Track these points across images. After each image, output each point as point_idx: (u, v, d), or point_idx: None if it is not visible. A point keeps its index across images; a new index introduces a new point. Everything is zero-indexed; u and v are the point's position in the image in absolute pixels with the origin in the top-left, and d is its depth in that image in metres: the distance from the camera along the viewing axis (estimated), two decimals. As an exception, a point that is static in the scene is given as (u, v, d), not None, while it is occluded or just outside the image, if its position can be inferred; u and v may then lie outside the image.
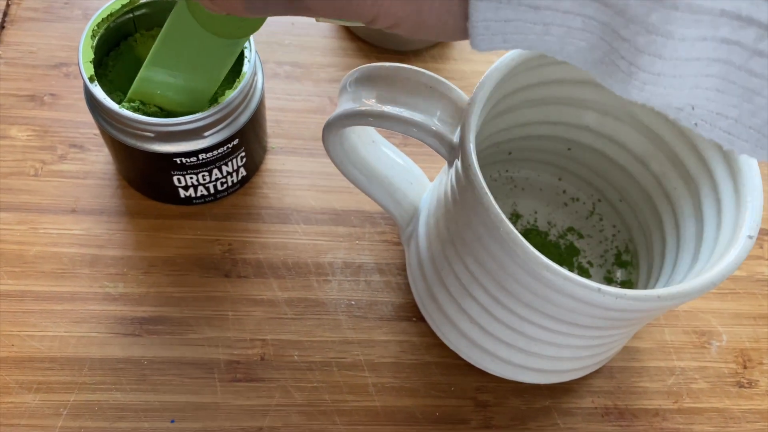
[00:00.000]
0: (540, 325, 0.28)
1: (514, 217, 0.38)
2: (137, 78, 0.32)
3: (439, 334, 0.34)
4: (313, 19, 0.47)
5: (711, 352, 0.37)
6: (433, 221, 0.31)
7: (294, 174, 0.39)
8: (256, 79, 0.34)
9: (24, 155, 0.38)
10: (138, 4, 0.34)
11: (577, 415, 0.34)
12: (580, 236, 0.38)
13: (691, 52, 0.17)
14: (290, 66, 0.43)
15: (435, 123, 0.28)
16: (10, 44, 0.41)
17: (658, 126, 0.32)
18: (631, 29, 0.17)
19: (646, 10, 0.16)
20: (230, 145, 0.34)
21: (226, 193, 0.37)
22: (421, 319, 0.36)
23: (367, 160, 0.33)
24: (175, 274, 0.35)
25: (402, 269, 0.37)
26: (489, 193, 0.25)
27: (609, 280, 0.37)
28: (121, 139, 0.32)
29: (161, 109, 0.32)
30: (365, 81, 0.29)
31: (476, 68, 0.45)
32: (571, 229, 0.38)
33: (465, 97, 0.29)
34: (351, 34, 0.45)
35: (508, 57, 0.29)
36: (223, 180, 0.36)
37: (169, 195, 0.36)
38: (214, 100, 0.33)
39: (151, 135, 0.32)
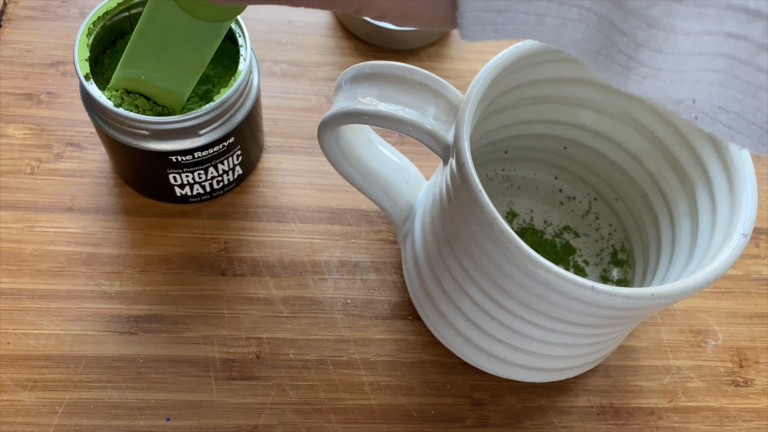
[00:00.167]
0: (535, 323, 0.28)
1: (510, 216, 0.38)
2: (119, 64, 0.31)
3: (434, 333, 0.34)
4: (310, 18, 0.47)
5: (707, 351, 0.37)
6: (429, 220, 0.31)
7: (290, 172, 0.39)
8: (251, 77, 0.34)
9: (21, 153, 0.38)
10: (134, 2, 0.34)
11: (573, 414, 0.34)
12: (576, 235, 0.38)
13: (695, 47, 0.16)
14: (287, 64, 0.43)
15: (430, 121, 0.28)
16: (7, 43, 0.41)
17: (654, 124, 0.33)
18: (631, 23, 0.16)
19: (646, 2, 0.16)
20: (226, 144, 0.34)
21: (222, 191, 0.37)
22: (417, 317, 0.36)
23: (363, 159, 0.33)
24: (171, 272, 0.35)
25: (398, 268, 0.37)
26: (483, 191, 0.25)
27: (605, 279, 0.37)
28: (117, 137, 0.32)
29: (146, 97, 0.32)
30: (361, 79, 0.29)
31: (473, 67, 0.45)
32: (567, 228, 0.38)
33: (460, 95, 0.29)
34: (348, 32, 0.45)
35: (503, 55, 0.29)
36: (219, 178, 0.36)
37: (165, 193, 0.36)
38: (209, 99, 0.33)
39: (147, 133, 0.32)
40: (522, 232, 0.37)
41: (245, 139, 0.35)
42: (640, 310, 0.26)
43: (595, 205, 0.38)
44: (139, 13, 0.34)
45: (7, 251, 0.35)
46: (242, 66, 0.33)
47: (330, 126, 0.30)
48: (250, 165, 0.38)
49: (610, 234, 0.38)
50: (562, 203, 0.39)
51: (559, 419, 0.34)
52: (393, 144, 0.40)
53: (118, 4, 0.33)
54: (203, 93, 0.34)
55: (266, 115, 0.41)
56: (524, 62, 0.30)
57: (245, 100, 0.34)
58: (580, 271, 0.37)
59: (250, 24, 0.44)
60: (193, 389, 0.33)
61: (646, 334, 0.37)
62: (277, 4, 0.20)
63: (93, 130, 0.39)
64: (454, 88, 0.29)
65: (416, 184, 0.35)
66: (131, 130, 0.32)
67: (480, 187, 0.25)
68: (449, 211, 0.29)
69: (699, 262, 0.28)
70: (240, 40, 0.33)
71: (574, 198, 0.39)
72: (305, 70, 0.43)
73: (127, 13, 0.34)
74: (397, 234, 0.36)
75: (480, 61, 0.45)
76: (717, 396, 0.36)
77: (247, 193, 0.38)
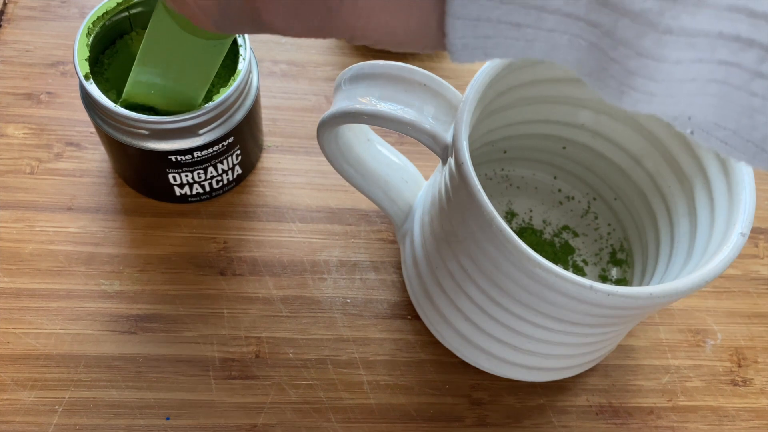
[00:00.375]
0: (534, 322, 0.28)
1: (509, 216, 0.38)
2: (129, 80, 0.32)
3: (433, 332, 0.34)
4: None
5: (706, 351, 0.37)
6: (428, 219, 0.32)
7: (290, 172, 0.39)
8: (251, 77, 0.34)
9: (20, 153, 0.38)
10: (133, 2, 0.34)
11: (572, 413, 0.34)
12: (575, 235, 0.38)
13: (687, 74, 0.16)
14: (286, 64, 0.43)
15: (429, 121, 0.28)
16: (7, 42, 0.41)
17: (653, 125, 0.33)
18: (621, 51, 0.16)
19: (635, 33, 0.15)
20: (225, 143, 0.34)
21: (221, 191, 0.37)
22: (416, 317, 0.36)
23: (363, 159, 0.33)
24: (171, 271, 0.36)
25: (397, 267, 0.37)
26: (482, 191, 0.25)
27: (604, 279, 0.37)
28: (117, 137, 0.32)
29: (156, 110, 0.32)
30: (360, 79, 0.29)
31: (472, 67, 0.45)
32: (566, 228, 0.38)
33: (459, 95, 0.29)
34: (347, 32, 0.45)
35: (502, 55, 0.29)
36: (219, 178, 0.36)
37: (165, 193, 0.36)
38: (208, 99, 0.33)
39: (146, 133, 0.32)
40: (521, 232, 0.37)
41: (245, 138, 0.35)
42: (639, 310, 0.26)
43: (593, 205, 0.38)
44: (139, 13, 0.34)
45: (6, 251, 0.35)
46: (242, 66, 0.33)
47: (329, 126, 0.30)
48: (249, 165, 0.38)
49: (608, 234, 0.38)
50: (560, 203, 0.39)
51: (558, 418, 0.34)
52: (392, 143, 0.40)
53: (118, 4, 0.33)
54: None
55: (266, 115, 0.41)
56: (523, 62, 0.30)
57: (245, 99, 0.34)
58: (579, 271, 0.37)
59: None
60: (192, 388, 0.33)
61: (645, 333, 0.37)
62: (269, 33, 0.21)
63: (93, 129, 0.39)
64: (453, 88, 0.29)
65: (415, 183, 0.35)
66: (131, 129, 0.32)
67: (479, 186, 0.25)
68: (448, 210, 0.29)
69: (697, 261, 0.28)
70: (239, 40, 0.33)
71: (572, 198, 0.39)
72: (305, 70, 0.43)
73: (126, 13, 0.34)
74: (396, 233, 0.36)
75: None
76: (716, 395, 0.36)
77: (246, 193, 0.38)
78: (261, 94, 0.42)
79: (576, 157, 0.37)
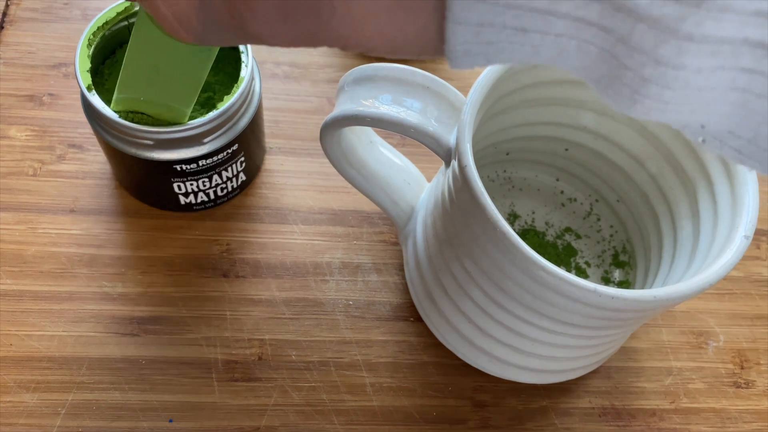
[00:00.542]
0: (537, 325, 0.28)
1: (512, 218, 0.38)
2: (116, 87, 0.31)
3: (436, 334, 0.34)
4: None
5: (708, 353, 0.37)
6: (431, 221, 0.32)
7: (292, 174, 0.39)
8: (253, 83, 0.34)
9: (23, 155, 0.38)
10: (133, 11, 0.34)
11: (575, 415, 0.34)
12: (578, 236, 0.38)
13: (707, 82, 0.15)
14: (289, 66, 0.43)
15: (432, 123, 0.28)
16: (10, 44, 0.41)
17: (656, 127, 0.33)
18: (636, 59, 0.15)
19: (654, 41, 0.15)
20: (230, 151, 0.34)
21: (226, 198, 0.37)
22: (419, 319, 0.36)
23: (365, 161, 0.33)
24: (174, 274, 0.36)
25: (400, 269, 0.37)
26: (485, 194, 0.25)
27: (606, 281, 0.37)
28: (120, 148, 0.32)
29: (148, 115, 0.32)
30: (363, 81, 0.29)
31: (475, 69, 0.45)
32: (568, 230, 0.38)
33: (462, 97, 0.29)
34: (349, 34, 0.45)
35: (505, 58, 0.29)
36: (223, 185, 0.36)
37: (170, 202, 0.36)
38: (212, 107, 0.33)
39: (151, 143, 0.32)
40: (523, 234, 0.37)
41: (249, 145, 0.35)
42: (643, 313, 0.26)
43: (596, 207, 0.38)
44: None
45: (9, 253, 0.35)
46: (244, 73, 0.33)
47: (332, 128, 0.30)
48: (253, 171, 0.38)
49: (611, 235, 0.38)
50: (563, 205, 0.39)
51: (561, 420, 0.34)
52: (394, 145, 0.40)
53: (117, 14, 0.33)
54: (205, 100, 0.34)
55: (268, 117, 0.41)
56: (526, 64, 0.30)
57: (248, 107, 0.34)
58: (581, 273, 0.37)
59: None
60: (195, 391, 0.33)
61: (648, 335, 0.37)
62: (255, 43, 0.19)
63: (95, 131, 0.39)
64: (456, 90, 0.29)
65: (418, 185, 0.35)
66: (135, 140, 0.31)
67: (482, 189, 0.25)
68: (451, 212, 0.29)
69: (700, 263, 0.28)
70: (240, 47, 0.33)
71: (575, 199, 0.39)
72: (307, 72, 0.43)
73: (126, 23, 0.34)
74: (398, 235, 0.36)
75: (481, 62, 0.45)
76: (718, 397, 0.36)
77: (249, 195, 0.38)
78: (263, 96, 0.42)
79: (578, 159, 0.37)
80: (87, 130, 0.39)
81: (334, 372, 0.34)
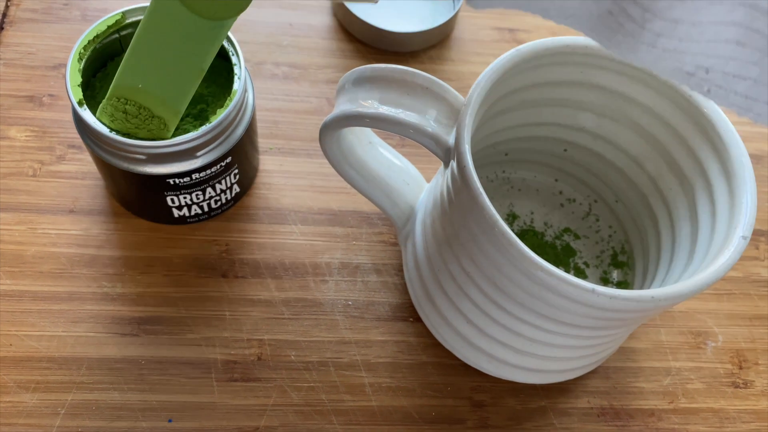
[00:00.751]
0: (535, 325, 0.29)
1: (511, 218, 0.38)
2: (118, 71, 0.31)
3: (435, 335, 0.34)
4: (311, 21, 0.47)
5: (707, 353, 0.37)
6: (430, 222, 0.32)
7: (291, 175, 0.39)
8: (246, 95, 0.34)
9: (23, 156, 0.38)
10: (124, 24, 0.33)
11: (573, 415, 0.34)
12: (577, 237, 0.38)
13: (710, 17, 0.16)
14: (288, 67, 0.43)
15: (431, 124, 0.28)
16: (9, 45, 0.41)
17: (654, 127, 0.33)
18: (638, 12, 0.16)
19: None
20: (223, 164, 0.33)
21: (220, 210, 0.37)
22: (418, 319, 0.36)
23: (364, 161, 0.33)
24: (173, 274, 0.36)
25: (399, 270, 0.37)
26: (484, 194, 0.25)
27: (605, 281, 0.37)
28: (113, 162, 0.32)
29: (141, 108, 0.31)
30: (362, 82, 0.29)
31: (473, 69, 0.45)
32: (567, 230, 0.38)
33: (461, 98, 0.29)
34: (349, 35, 0.45)
35: (503, 58, 0.29)
36: (217, 198, 0.36)
37: (163, 215, 0.36)
38: (205, 120, 0.33)
39: (143, 157, 0.31)
40: (522, 234, 0.37)
41: (242, 158, 0.35)
42: (641, 313, 0.26)
43: (595, 207, 0.38)
44: (130, 35, 0.34)
45: (9, 253, 0.35)
46: (237, 85, 0.32)
47: (331, 128, 0.30)
48: (247, 183, 0.38)
49: (610, 236, 0.38)
50: (562, 205, 0.39)
51: (560, 420, 0.34)
52: (394, 146, 0.40)
53: (108, 27, 0.33)
54: (198, 112, 0.33)
55: (267, 118, 0.41)
56: (525, 65, 0.30)
57: (241, 119, 0.33)
58: (580, 273, 0.37)
59: (250, 26, 0.44)
60: (194, 391, 0.33)
61: (646, 335, 0.37)
62: None
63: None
64: (454, 91, 0.29)
65: (417, 186, 0.35)
66: (127, 154, 0.31)
67: (481, 189, 0.26)
68: (450, 213, 0.29)
69: (699, 264, 0.28)
70: (233, 59, 0.33)
71: (574, 200, 0.39)
72: (306, 72, 0.43)
73: (117, 35, 0.34)
74: (398, 236, 0.36)
75: (480, 63, 0.45)
76: (717, 397, 0.36)
77: (248, 195, 0.38)
78: (262, 96, 0.42)
79: (577, 160, 0.37)
80: (87, 130, 0.39)
81: (333, 372, 0.34)
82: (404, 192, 0.34)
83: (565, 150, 0.37)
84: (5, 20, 0.42)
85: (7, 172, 0.37)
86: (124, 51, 0.35)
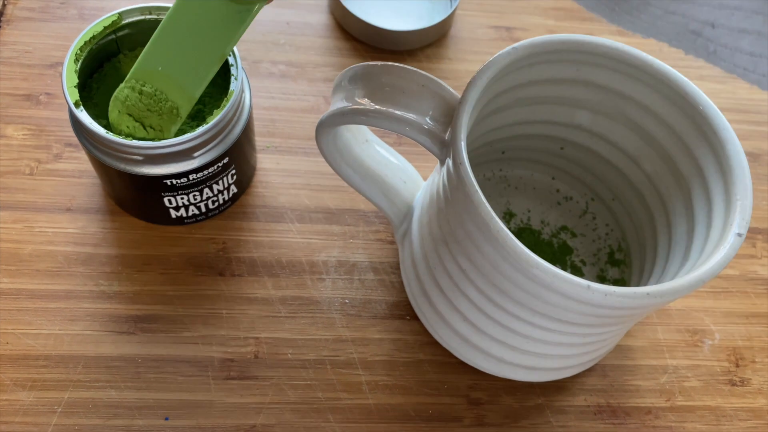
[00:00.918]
0: (532, 323, 0.29)
1: (508, 216, 0.38)
2: (141, 54, 0.31)
3: (432, 333, 0.34)
4: (308, 19, 0.47)
5: (704, 351, 0.37)
6: (426, 220, 0.32)
7: (288, 173, 0.39)
8: (243, 96, 0.34)
9: (20, 154, 0.38)
10: (120, 25, 0.33)
11: (570, 413, 0.35)
12: (573, 235, 0.38)
13: None
14: (285, 65, 0.43)
15: (427, 122, 0.28)
16: (6, 44, 0.41)
17: (650, 125, 0.33)
18: None
19: None
20: (220, 164, 0.33)
21: (217, 211, 0.37)
22: (415, 317, 0.36)
23: (361, 159, 0.33)
24: (170, 272, 0.36)
25: (396, 268, 0.37)
26: (479, 191, 0.25)
27: (602, 279, 0.37)
28: (110, 164, 0.32)
29: (158, 91, 0.31)
30: (359, 80, 0.29)
31: (470, 68, 0.45)
32: (564, 228, 0.38)
33: (457, 96, 0.29)
34: (346, 33, 0.45)
35: (499, 56, 0.29)
36: (215, 198, 0.36)
37: (160, 216, 0.36)
38: (201, 120, 0.33)
39: (140, 158, 0.31)
40: (519, 233, 0.38)
41: (239, 158, 0.35)
42: (636, 309, 0.26)
43: (591, 205, 0.38)
44: (126, 36, 0.34)
45: (6, 251, 0.35)
46: (234, 86, 0.32)
47: (328, 126, 0.30)
48: (244, 183, 0.38)
49: (606, 234, 0.38)
50: (559, 203, 0.39)
51: (556, 418, 0.34)
52: (391, 144, 0.40)
53: (105, 28, 0.33)
54: (195, 113, 0.33)
55: (264, 116, 0.41)
56: (521, 63, 0.30)
57: (238, 119, 0.33)
58: (577, 271, 0.37)
59: (248, 25, 0.44)
60: (191, 389, 0.33)
61: (643, 333, 0.37)
62: None
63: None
64: (451, 89, 0.29)
65: (414, 184, 0.35)
66: (124, 155, 0.31)
67: (476, 187, 0.26)
68: (446, 211, 0.29)
69: (695, 261, 0.28)
70: (230, 59, 0.33)
71: (571, 198, 0.39)
72: (303, 71, 0.43)
73: (113, 36, 0.34)
74: (394, 234, 0.36)
75: (476, 62, 0.45)
76: (713, 395, 0.36)
77: (245, 194, 0.38)
78: (259, 95, 0.42)
79: (574, 158, 0.37)
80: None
81: (330, 370, 0.34)
82: (401, 190, 0.34)
83: (562, 148, 0.37)
84: (2, 19, 0.42)
85: (4, 170, 0.37)
86: (120, 52, 0.35)
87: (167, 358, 0.33)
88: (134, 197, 0.35)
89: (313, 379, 0.34)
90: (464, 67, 0.45)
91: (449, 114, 0.28)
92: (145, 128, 0.31)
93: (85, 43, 0.33)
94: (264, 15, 0.45)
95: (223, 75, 0.34)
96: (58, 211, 0.36)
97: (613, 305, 0.25)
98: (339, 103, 0.29)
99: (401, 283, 0.37)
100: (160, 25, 0.30)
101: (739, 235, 0.26)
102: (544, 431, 0.34)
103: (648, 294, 0.25)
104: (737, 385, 0.36)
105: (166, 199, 0.34)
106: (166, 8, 0.34)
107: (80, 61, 0.32)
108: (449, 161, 0.27)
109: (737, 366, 0.37)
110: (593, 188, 0.38)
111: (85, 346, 0.33)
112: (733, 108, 0.46)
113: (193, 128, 0.32)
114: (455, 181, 0.27)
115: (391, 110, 0.28)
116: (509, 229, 0.35)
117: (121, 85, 0.31)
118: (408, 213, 0.35)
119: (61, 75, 0.40)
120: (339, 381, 0.34)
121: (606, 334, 0.30)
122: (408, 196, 0.35)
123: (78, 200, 0.37)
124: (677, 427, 0.35)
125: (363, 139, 0.34)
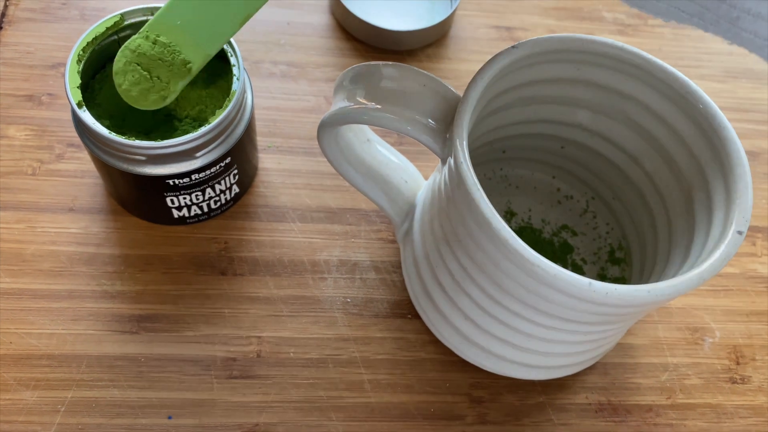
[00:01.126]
0: (533, 321, 0.29)
1: (509, 215, 0.38)
2: (162, 8, 0.30)
3: (434, 331, 0.34)
4: (309, 19, 0.47)
5: (704, 349, 0.37)
6: (428, 219, 0.32)
7: (290, 173, 0.40)
8: (245, 96, 0.34)
9: (22, 154, 0.38)
10: (122, 26, 0.33)
11: (571, 411, 0.35)
12: (574, 234, 0.38)
13: None
14: (286, 65, 0.43)
15: (428, 121, 0.28)
16: (8, 45, 0.41)
17: (650, 124, 0.33)
18: None
19: None
20: (222, 164, 0.34)
21: (219, 211, 0.37)
22: (417, 316, 0.36)
23: (363, 159, 0.34)
24: (172, 272, 0.36)
25: (397, 267, 0.37)
26: (481, 190, 0.26)
27: (602, 277, 0.37)
28: (112, 163, 0.32)
29: (172, 45, 0.30)
30: (360, 79, 0.29)
31: (471, 67, 0.45)
32: (564, 227, 0.38)
33: (458, 95, 0.29)
34: (346, 34, 0.45)
35: (500, 56, 0.29)
36: (217, 198, 0.36)
37: (163, 216, 0.36)
38: (203, 121, 0.33)
39: (143, 158, 0.31)
40: (520, 231, 0.38)
41: (241, 158, 0.35)
42: (637, 307, 0.27)
43: (592, 204, 0.39)
44: (128, 36, 0.34)
45: (8, 251, 0.35)
46: (236, 86, 0.32)
47: (329, 126, 0.30)
48: (246, 183, 0.38)
49: (607, 233, 0.38)
50: (559, 202, 0.39)
51: (558, 416, 0.34)
52: (392, 144, 0.40)
53: (107, 29, 0.33)
54: (196, 114, 0.33)
55: (266, 116, 0.41)
56: (521, 63, 0.30)
57: (240, 119, 0.34)
58: (577, 270, 0.37)
59: (248, 25, 0.44)
60: (194, 388, 0.33)
61: (644, 331, 0.37)
62: None
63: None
64: (452, 89, 0.29)
65: (415, 183, 0.35)
66: (126, 155, 0.31)
67: (477, 185, 0.26)
68: (447, 210, 0.29)
69: (695, 259, 0.28)
70: (232, 60, 0.33)
71: (571, 197, 0.39)
72: (304, 71, 0.43)
73: (116, 37, 0.34)
74: (396, 233, 0.36)
75: (477, 61, 0.45)
76: (714, 393, 0.36)
77: (246, 193, 0.38)
78: (260, 95, 0.42)
79: (574, 157, 0.37)
80: (85, 129, 0.39)
81: (332, 369, 0.34)
82: (402, 189, 0.35)
83: (562, 147, 0.37)
84: (4, 20, 0.42)
85: (7, 170, 0.37)
86: None
87: (170, 358, 0.34)
88: (136, 197, 0.35)
89: (315, 378, 0.34)
90: (464, 67, 0.45)
91: (450, 113, 0.29)
92: (151, 78, 0.31)
93: (88, 43, 0.33)
94: (264, 15, 0.45)
95: (225, 76, 0.34)
96: (61, 211, 0.37)
97: (614, 303, 0.25)
98: (340, 103, 0.29)
99: (403, 282, 0.37)
100: None
101: (740, 233, 0.27)
102: (546, 429, 0.34)
103: (649, 292, 0.25)
104: (738, 383, 0.36)
105: (168, 199, 0.34)
106: None
107: (83, 62, 0.32)
108: (450, 160, 0.27)
109: (738, 364, 0.37)
110: (594, 187, 0.38)
111: (88, 346, 0.33)
112: (733, 107, 0.46)
113: (195, 128, 0.32)
114: (456, 180, 0.27)
115: (392, 110, 0.28)
116: (510, 228, 0.35)
117: (134, 36, 0.31)
118: (409, 212, 0.35)
119: (63, 76, 0.41)
120: (341, 380, 0.34)
121: (607, 332, 0.31)
122: (409, 196, 0.35)
123: (80, 200, 0.37)
124: (678, 425, 0.35)
125: (364, 138, 0.34)
